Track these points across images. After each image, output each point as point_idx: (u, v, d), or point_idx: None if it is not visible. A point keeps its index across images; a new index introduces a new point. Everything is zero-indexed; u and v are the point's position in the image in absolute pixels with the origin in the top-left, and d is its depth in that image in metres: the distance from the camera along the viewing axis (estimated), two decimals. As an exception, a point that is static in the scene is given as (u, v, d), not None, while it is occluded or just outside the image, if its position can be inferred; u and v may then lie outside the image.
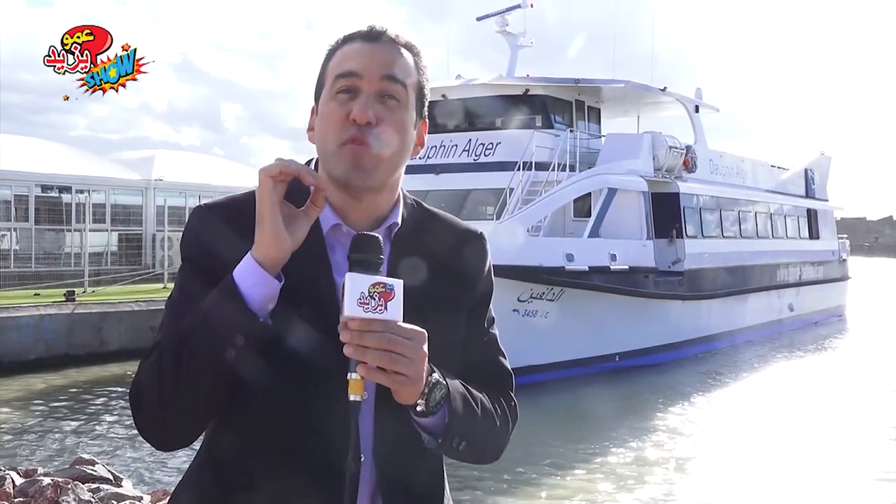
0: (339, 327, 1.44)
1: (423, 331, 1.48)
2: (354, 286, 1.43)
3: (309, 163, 1.70)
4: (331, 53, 1.68)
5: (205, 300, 1.50)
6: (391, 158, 1.61)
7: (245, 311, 1.47)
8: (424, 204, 1.77)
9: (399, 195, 1.71)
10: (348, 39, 1.67)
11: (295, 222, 1.51)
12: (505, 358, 1.84)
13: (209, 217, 1.64)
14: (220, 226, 1.60)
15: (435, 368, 1.53)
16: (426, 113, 1.73)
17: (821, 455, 11.99)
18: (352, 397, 1.45)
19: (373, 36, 1.65)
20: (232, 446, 1.60)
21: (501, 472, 10.66)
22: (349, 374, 1.45)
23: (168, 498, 1.76)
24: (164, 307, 1.64)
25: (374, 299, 1.43)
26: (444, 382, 1.55)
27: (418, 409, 1.53)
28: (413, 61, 1.67)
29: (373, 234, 1.51)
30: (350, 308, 1.42)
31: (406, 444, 1.60)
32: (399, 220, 1.68)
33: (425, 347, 1.48)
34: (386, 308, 1.43)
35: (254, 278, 1.48)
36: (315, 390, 1.55)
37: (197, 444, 1.67)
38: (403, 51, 1.66)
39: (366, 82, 1.60)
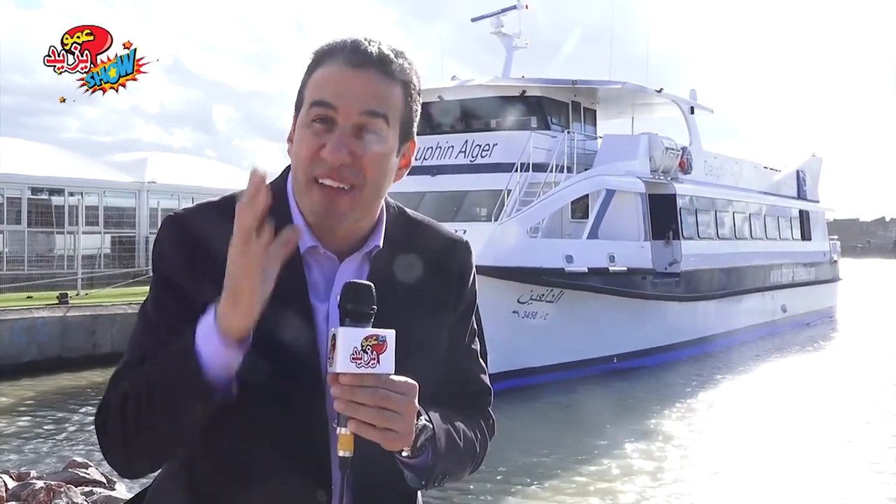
0: (329, 380, 1.40)
1: (415, 383, 1.43)
2: (347, 341, 1.38)
3: (287, 171, 1.62)
4: (314, 65, 1.56)
5: (165, 356, 1.45)
6: (368, 196, 1.53)
7: (201, 382, 1.40)
8: (408, 211, 1.70)
9: (382, 210, 1.62)
10: (331, 56, 1.53)
11: (267, 276, 1.38)
12: (485, 374, 1.77)
13: (180, 230, 1.56)
14: (192, 239, 1.53)
15: (421, 410, 1.48)
16: (414, 133, 1.62)
17: (815, 454, 12.04)
18: (341, 453, 1.42)
19: (357, 60, 1.51)
20: (207, 462, 1.57)
21: (498, 473, 10.65)
22: (338, 429, 1.42)
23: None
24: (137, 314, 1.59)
25: (367, 353, 1.39)
26: (431, 425, 1.52)
27: (403, 454, 1.49)
28: (401, 87, 1.54)
29: (364, 283, 1.43)
30: (343, 364, 1.38)
31: (383, 470, 1.55)
32: (381, 242, 1.60)
33: (416, 401, 1.44)
34: (378, 361, 1.39)
35: (217, 350, 1.40)
36: (290, 415, 1.52)
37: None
38: (389, 82, 1.52)
39: (342, 116, 1.49)
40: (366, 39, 1.54)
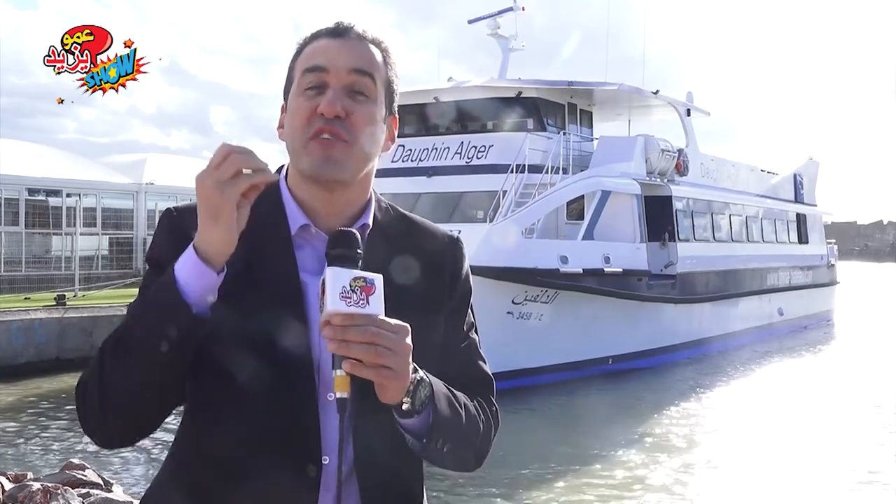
0: (321, 324, 1.42)
1: (407, 325, 1.45)
2: (336, 280, 1.41)
3: (280, 170, 1.69)
4: (299, 51, 1.67)
5: (146, 294, 1.50)
6: (362, 150, 1.59)
7: (179, 301, 1.44)
8: (400, 208, 1.76)
9: (371, 195, 1.69)
10: (315, 37, 1.66)
11: (241, 212, 1.45)
12: (485, 363, 1.79)
13: (180, 221, 1.61)
14: (186, 231, 1.54)
15: (418, 367, 1.50)
16: (395, 108, 1.71)
17: (811, 455, 12.04)
18: (338, 394, 1.43)
19: (339, 32, 1.64)
20: (200, 445, 1.59)
21: (493, 475, 10.66)
22: (334, 371, 1.42)
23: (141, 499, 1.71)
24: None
25: (356, 293, 1.41)
26: (429, 381, 1.53)
27: (404, 407, 1.50)
28: (381, 57, 1.65)
29: (349, 229, 1.50)
30: (333, 303, 1.40)
31: (386, 445, 1.57)
32: (370, 221, 1.66)
33: (409, 340, 1.45)
34: (368, 302, 1.41)
35: (195, 270, 1.45)
36: (284, 390, 1.53)
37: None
38: (371, 46, 1.65)
39: (333, 77, 1.59)
40: (346, 21, 1.67)
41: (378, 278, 1.43)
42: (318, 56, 1.61)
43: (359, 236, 1.49)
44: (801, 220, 30.27)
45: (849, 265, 41.71)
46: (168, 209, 1.66)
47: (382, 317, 1.42)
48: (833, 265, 33.11)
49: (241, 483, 1.55)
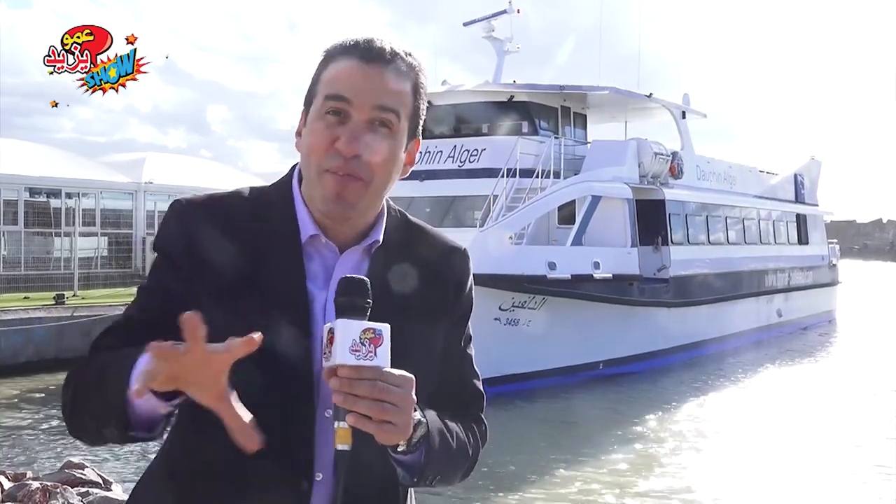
0: (325, 374, 1.41)
1: (412, 376, 1.44)
2: (346, 334, 1.39)
3: (294, 168, 1.68)
4: (326, 61, 1.60)
5: (110, 374, 1.45)
6: (377, 188, 1.57)
7: (123, 412, 1.43)
8: (409, 216, 1.74)
9: (384, 207, 1.66)
10: (346, 51, 1.58)
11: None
12: (479, 379, 1.81)
13: (190, 212, 1.59)
14: (201, 222, 1.56)
15: (417, 406, 1.48)
16: (420, 131, 1.67)
17: (810, 458, 12.03)
18: (339, 447, 1.42)
19: (371, 56, 1.56)
20: (193, 452, 1.57)
21: (483, 478, 10.74)
22: (336, 423, 1.42)
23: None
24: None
25: (365, 346, 1.40)
26: (425, 420, 1.52)
27: (399, 448, 1.50)
28: (412, 84, 1.60)
29: (360, 277, 1.46)
30: (342, 356, 1.39)
31: (374, 465, 1.56)
32: (381, 237, 1.64)
33: (414, 394, 1.44)
34: (376, 354, 1.40)
35: (148, 404, 1.41)
36: (282, 402, 1.52)
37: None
38: (402, 73, 1.58)
39: (356, 110, 1.54)
40: (378, 38, 1.59)
41: (386, 328, 1.41)
42: (344, 83, 1.55)
43: (368, 283, 1.45)
44: (801, 220, 30.03)
45: (848, 264, 41.38)
46: (177, 200, 1.62)
47: (388, 368, 1.41)
48: (835, 265, 32.82)
49: (233, 493, 1.54)
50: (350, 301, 1.43)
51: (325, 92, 1.56)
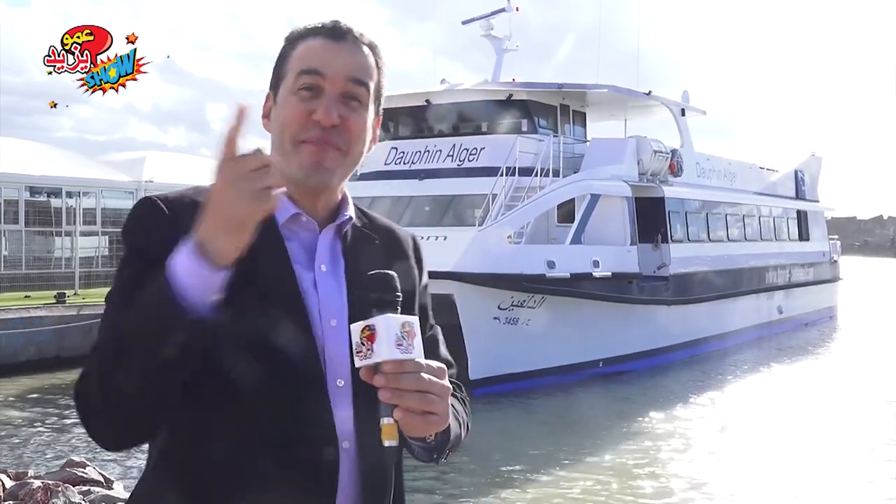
0: (365, 373, 1.41)
1: (443, 365, 1.47)
2: (390, 329, 1.40)
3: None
4: (292, 43, 1.66)
5: (142, 295, 1.40)
6: (352, 158, 1.63)
7: (180, 306, 1.36)
8: (361, 207, 1.78)
9: (344, 189, 1.71)
10: (312, 33, 1.64)
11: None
12: (446, 348, 1.84)
13: (160, 208, 1.55)
14: (170, 218, 1.52)
15: None
16: (381, 110, 1.73)
17: (811, 455, 12.03)
18: (387, 443, 1.42)
19: (338, 34, 1.64)
20: (204, 445, 1.52)
21: (483, 474, 10.78)
22: (382, 419, 1.41)
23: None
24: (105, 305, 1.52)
25: (406, 339, 1.40)
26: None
27: (427, 440, 1.53)
28: (374, 61, 1.66)
29: (387, 272, 1.47)
30: (389, 351, 1.39)
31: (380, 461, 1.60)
32: (352, 213, 1.69)
33: (447, 381, 1.47)
34: (413, 346, 1.41)
35: (198, 271, 1.37)
36: (295, 382, 1.52)
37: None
38: (366, 51, 1.65)
39: (329, 83, 1.59)
40: (341, 20, 1.66)
41: (416, 320, 1.43)
42: (316, 58, 1.60)
43: (396, 278, 1.47)
44: (801, 216, 30.02)
45: (849, 260, 41.37)
46: (146, 197, 1.56)
47: (422, 359, 1.42)
48: (836, 261, 32.81)
49: (256, 476, 1.51)
50: (382, 297, 1.44)
51: (297, 68, 1.61)
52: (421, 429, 1.45)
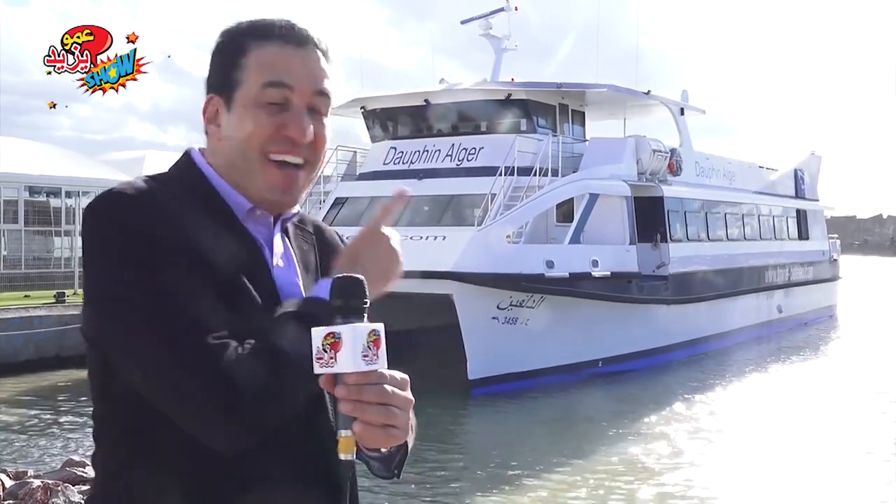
0: (325, 382, 1.34)
1: (407, 376, 1.40)
2: (357, 339, 1.31)
3: (188, 153, 1.63)
4: (240, 43, 1.56)
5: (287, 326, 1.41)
6: (317, 172, 1.62)
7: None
8: None
9: None
10: (266, 36, 1.56)
11: None
12: None
13: (147, 206, 1.46)
14: (163, 214, 1.46)
15: None
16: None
17: (811, 455, 12.03)
18: (343, 456, 1.34)
19: (300, 40, 1.57)
20: (191, 447, 1.42)
21: (484, 473, 10.81)
22: (340, 432, 1.34)
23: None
24: (155, 302, 1.40)
25: (371, 349, 1.32)
26: None
27: (383, 451, 1.47)
28: (330, 68, 1.61)
29: (356, 276, 1.36)
30: (354, 363, 1.30)
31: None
32: (299, 209, 1.67)
33: (409, 393, 1.40)
34: (378, 356, 1.33)
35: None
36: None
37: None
38: (324, 57, 1.59)
39: (297, 95, 1.54)
40: (292, 20, 1.58)
41: (381, 327, 1.34)
42: (282, 70, 1.53)
43: (365, 282, 1.37)
44: (801, 215, 30.03)
45: (849, 259, 41.40)
46: (121, 193, 1.49)
47: (385, 369, 1.35)
48: (835, 260, 32.83)
49: (256, 474, 1.48)
50: (350, 303, 1.35)
51: (263, 78, 1.53)
52: (380, 442, 1.39)
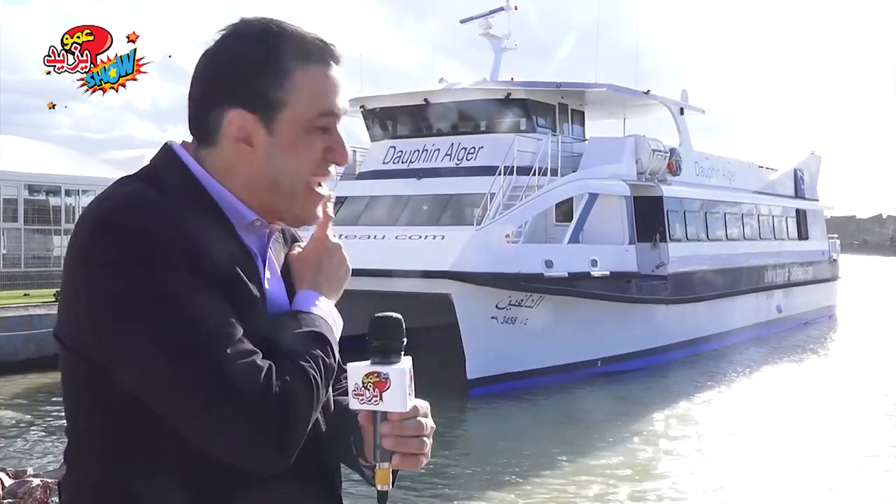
0: (365, 417, 1.41)
1: (427, 404, 1.47)
2: (402, 379, 1.38)
3: (175, 154, 1.51)
4: (289, 64, 1.46)
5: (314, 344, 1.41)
6: None
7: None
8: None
9: None
10: (312, 56, 1.49)
11: None
12: None
13: (165, 217, 1.39)
14: (184, 217, 1.40)
15: None
16: None
17: (811, 454, 12.03)
18: (380, 487, 1.41)
19: (336, 60, 1.52)
20: (191, 448, 1.39)
21: (486, 476, 10.81)
22: (379, 464, 1.41)
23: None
24: (197, 330, 1.32)
25: (410, 386, 1.41)
26: None
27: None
28: None
29: (396, 316, 1.43)
30: (402, 402, 1.38)
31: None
32: None
33: (431, 420, 1.48)
34: (413, 390, 1.42)
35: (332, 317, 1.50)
36: None
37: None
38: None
39: (338, 119, 1.52)
40: (320, 34, 1.52)
41: (410, 361, 1.42)
42: (332, 97, 1.49)
43: (402, 322, 1.44)
44: (801, 215, 30.04)
45: (848, 259, 41.41)
46: (129, 205, 1.43)
47: (417, 402, 1.44)
48: (835, 260, 32.83)
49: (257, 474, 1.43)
50: (388, 344, 1.41)
51: (317, 107, 1.47)
52: (412, 468, 1.45)
